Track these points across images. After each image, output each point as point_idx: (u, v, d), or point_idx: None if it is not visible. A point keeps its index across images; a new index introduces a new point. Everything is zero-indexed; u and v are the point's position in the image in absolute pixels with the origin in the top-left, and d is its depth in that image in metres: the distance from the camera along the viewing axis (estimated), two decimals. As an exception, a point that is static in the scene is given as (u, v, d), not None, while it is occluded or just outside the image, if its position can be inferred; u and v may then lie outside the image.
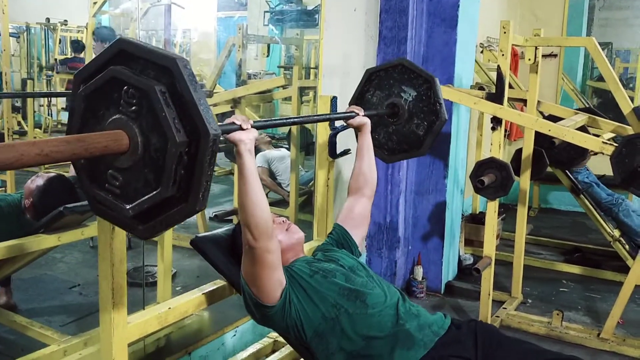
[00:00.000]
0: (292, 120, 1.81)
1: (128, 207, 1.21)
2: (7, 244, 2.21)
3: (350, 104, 2.39)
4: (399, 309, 1.75)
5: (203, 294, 1.87)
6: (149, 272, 3.71)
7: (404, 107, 2.28)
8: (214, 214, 5.24)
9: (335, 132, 2.38)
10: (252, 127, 1.54)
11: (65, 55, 9.20)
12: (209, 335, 2.63)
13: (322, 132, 2.38)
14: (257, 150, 5.72)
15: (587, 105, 5.84)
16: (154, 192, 1.18)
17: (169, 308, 1.73)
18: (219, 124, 1.45)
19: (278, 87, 4.28)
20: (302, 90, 4.24)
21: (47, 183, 2.61)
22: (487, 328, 1.82)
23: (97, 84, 1.22)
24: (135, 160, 1.19)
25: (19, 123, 8.17)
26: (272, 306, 1.67)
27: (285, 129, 6.74)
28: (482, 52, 4.95)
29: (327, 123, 2.38)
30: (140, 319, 1.65)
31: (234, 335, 2.68)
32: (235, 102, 3.96)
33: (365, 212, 2.13)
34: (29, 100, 7.83)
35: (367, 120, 2.14)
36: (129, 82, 1.17)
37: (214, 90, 4.75)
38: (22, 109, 7.94)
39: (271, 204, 5.57)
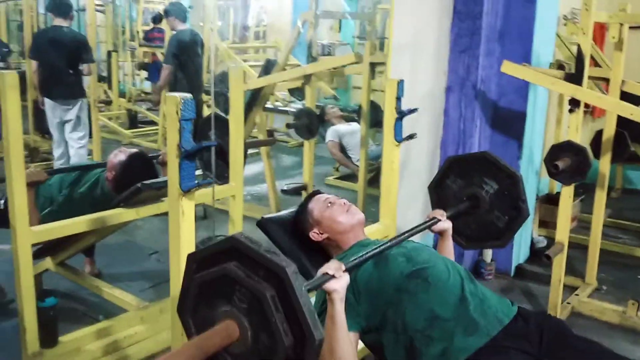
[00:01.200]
0: (384, 247, 1.77)
1: None
2: (90, 217, 2.37)
3: (429, 188, 2.35)
4: (465, 288, 1.72)
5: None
6: (222, 242, 3.87)
7: (484, 198, 2.22)
8: (285, 186, 5.36)
9: (400, 116, 2.37)
10: (344, 271, 1.57)
11: (148, 24, 9.55)
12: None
13: (388, 116, 2.37)
14: (329, 124, 5.77)
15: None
16: None
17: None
18: (314, 279, 1.51)
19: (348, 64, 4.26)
20: (374, 66, 4.20)
21: (129, 159, 2.76)
22: (556, 324, 1.75)
23: (210, 276, 1.31)
24: (244, 350, 1.27)
25: (104, 92, 8.64)
26: None
27: (356, 101, 6.70)
28: (565, 24, 4.70)
29: (394, 107, 2.38)
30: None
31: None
32: (306, 79, 3.99)
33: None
34: (114, 70, 8.23)
35: (449, 225, 2.10)
36: (242, 283, 1.25)
37: (288, 62, 4.81)
38: (108, 78, 8.38)
39: (341, 178, 5.66)
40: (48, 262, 2.97)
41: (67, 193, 2.85)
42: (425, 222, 2.06)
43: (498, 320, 1.68)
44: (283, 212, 2.15)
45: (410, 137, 2.42)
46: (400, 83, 2.34)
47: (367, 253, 1.71)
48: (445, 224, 2.09)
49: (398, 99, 2.36)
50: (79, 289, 3.11)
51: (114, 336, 2.40)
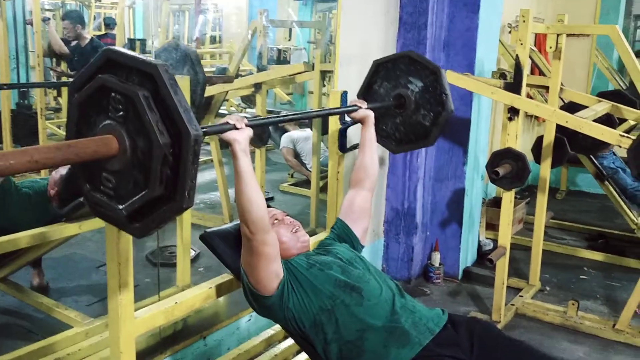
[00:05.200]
0: (289, 117, 1.85)
1: (121, 207, 1.28)
2: (31, 232, 2.33)
3: (358, 95, 2.41)
4: (395, 303, 1.78)
5: (210, 288, 1.95)
6: (173, 252, 3.83)
7: (410, 98, 2.29)
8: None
9: (345, 126, 2.40)
10: (246, 125, 1.58)
11: (100, 31, 9.34)
12: (225, 320, 2.73)
13: (333, 126, 2.40)
14: (283, 130, 5.78)
15: (622, 86, 5.67)
16: (143, 192, 1.25)
17: (176, 303, 1.81)
18: (213, 124, 1.51)
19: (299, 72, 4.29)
20: (324, 74, 4.24)
21: (70, 172, 2.72)
22: (486, 329, 1.82)
23: (87, 93, 1.30)
24: (124, 163, 1.26)
25: (54, 99, 8.40)
26: (269, 297, 1.73)
27: (312, 106, 6.73)
28: (510, 32, 4.84)
29: (338, 117, 2.41)
30: (147, 314, 1.73)
31: (249, 320, 2.77)
32: (257, 87, 4.00)
33: (366, 204, 2.16)
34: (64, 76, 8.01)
35: (370, 113, 2.16)
36: (115, 89, 1.25)
37: (242, 67, 4.79)
38: (57, 85, 8.14)
39: (296, 185, 5.67)
40: (-10, 278, 2.89)
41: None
42: (346, 107, 2.12)
43: (429, 330, 1.73)
44: (227, 225, 2.15)
45: (355, 147, 2.45)
46: (344, 94, 2.37)
47: (276, 117, 1.81)
48: (367, 112, 2.16)
49: (342, 110, 2.39)
50: (23, 305, 3.03)
51: (58, 353, 2.35)
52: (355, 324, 1.70)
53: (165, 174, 1.23)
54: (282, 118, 1.81)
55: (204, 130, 1.40)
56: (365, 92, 2.39)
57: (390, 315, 1.73)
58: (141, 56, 1.24)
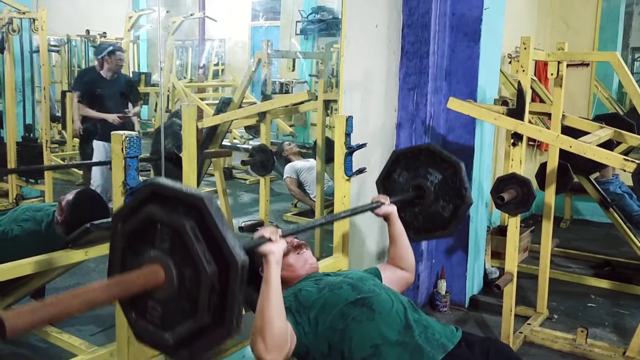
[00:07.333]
0: (320, 222, 1.87)
1: (168, 335, 1.29)
2: (36, 259, 2.32)
3: (377, 183, 2.43)
4: (408, 317, 1.77)
5: (217, 311, 1.93)
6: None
7: (429, 189, 2.31)
8: (243, 223, 5.34)
9: (350, 151, 2.42)
10: (280, 237, 1.61)
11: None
12: (230, 347, 2.69)
13: (338, 151, 2.42)
14: (287, 160, 5.81)
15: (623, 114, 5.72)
16: (191, 321, 1.25)
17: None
18: (250, 240, 1.56)
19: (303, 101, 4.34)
20: (328, 103, 4.29)
21: (76, 197, 2.73)
22: (501, 349, 1.81)
23: (134, 224, 1.32)
24: (171, 292, 1.27)
25: (59, 132, 8.50)
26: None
27: (314, 138, 6.79)
28: (510, 62, 4.91)
29: (344, 142, 2.43)
30: (154, 337, 1.71)
31: (255, 347, 2.73)
32: (261, 117, 4.04)
33: (404, 281, 2.19)
34: (68, 109, 8.12)
35: (393, 208, 2.17)
36: (162, 220, 1.26)
37: (244, 100, 4.86)
38: (62, 118, 8.25)
39: (299, 214, 5.67)
40: (-7, 307, 2.86)
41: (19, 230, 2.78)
42: (369, 204, 2.11)
43: (442, 346, 1.72)
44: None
45: (360, 171, 2.47)
46: (349, 119, 2.40)
47: (306, 224, 1.85)
48: (389, 208, 2.15)
49: (347, 134, 2.42)
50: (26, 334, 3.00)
51: (61, 382, 2.32)
52: (369, 339, 1.70)
53: (212, 301, 1.23)
54: (313, 225, 1.83)
55: (244, 247, 1.41)
56: (385, 180, 2.41)
57: (403, 330, 1.72)
58: (186, 188, 1.26)
